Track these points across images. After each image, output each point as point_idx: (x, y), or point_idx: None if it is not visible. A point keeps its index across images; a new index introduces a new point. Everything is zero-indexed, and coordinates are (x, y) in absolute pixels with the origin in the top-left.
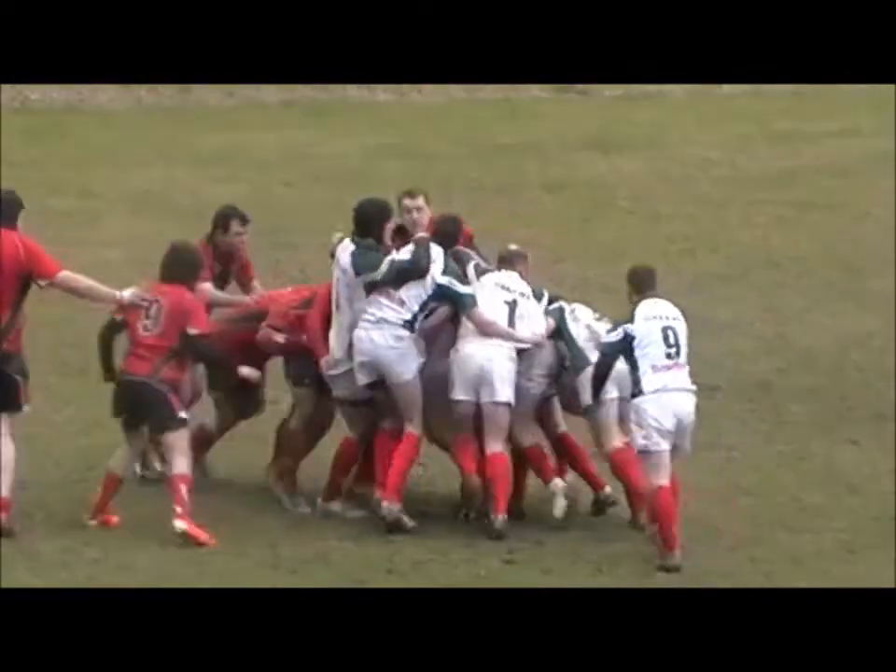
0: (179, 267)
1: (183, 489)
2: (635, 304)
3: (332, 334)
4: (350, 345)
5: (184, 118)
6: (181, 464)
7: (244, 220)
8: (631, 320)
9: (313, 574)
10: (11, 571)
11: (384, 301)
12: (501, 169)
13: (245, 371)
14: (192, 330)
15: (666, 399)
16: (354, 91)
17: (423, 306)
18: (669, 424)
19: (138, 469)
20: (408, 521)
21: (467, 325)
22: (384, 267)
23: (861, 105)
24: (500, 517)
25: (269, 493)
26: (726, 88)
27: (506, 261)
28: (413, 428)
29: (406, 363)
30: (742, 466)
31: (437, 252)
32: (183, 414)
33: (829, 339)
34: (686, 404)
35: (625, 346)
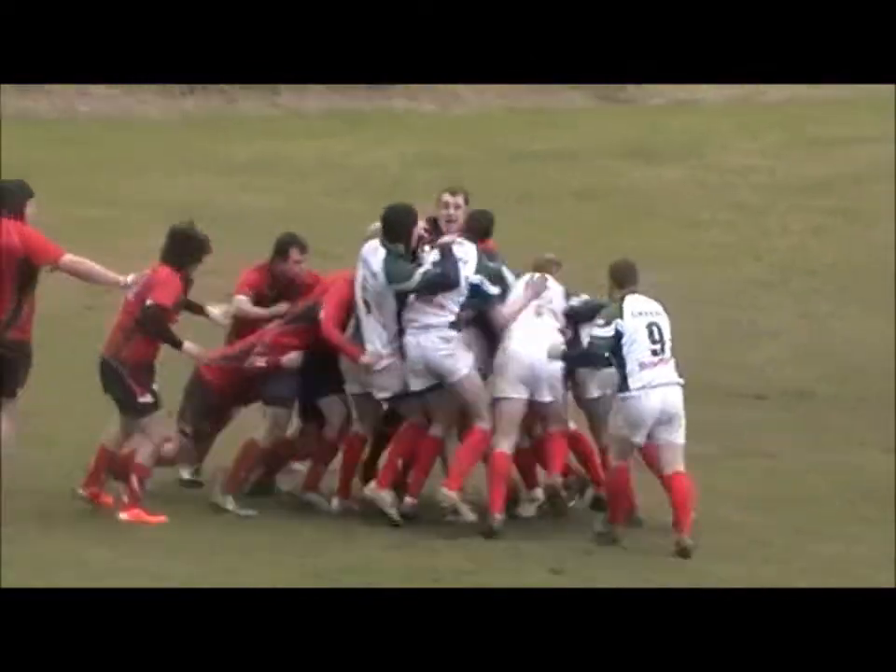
0: (172, 250)
1: (135, 480)
2: (619, 300)
3: (369, 333)
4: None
5: (226, 127)
6: (140, 452)
7: (303, 248)
8: (620, 315)
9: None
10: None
11: (425, 307)
12: (540, 178)
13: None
14: (148, 301)
15: (653, 395)
16: (395, 101)
17: (463, 306)
18: (651, 419)
19: (186, 474)
20: (468, 510)
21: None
22: (416, 277)
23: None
24: (498, 515)
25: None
26: (765, 95)
27: (540, 269)
28: (482, 424)
29: (458, 360)
30: (783, 475)
31: (468, 250)
32: (144, 399)
33: (869, 348)
34: (672, 397)
35: (615, 342)
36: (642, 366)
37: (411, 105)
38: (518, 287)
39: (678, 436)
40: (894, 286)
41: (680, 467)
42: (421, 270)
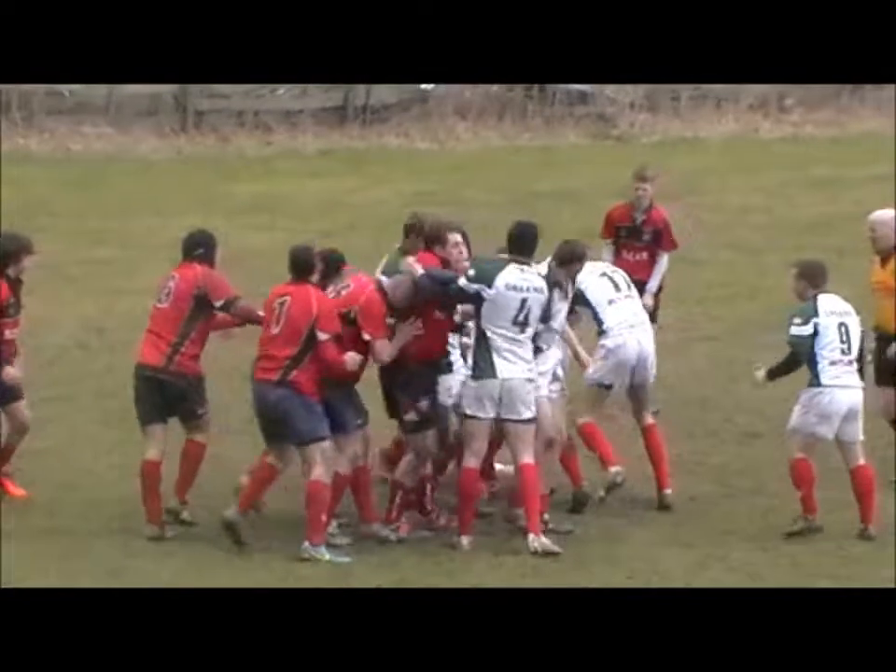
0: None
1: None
2: (813, 298)
3: (524, 352)
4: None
5: (222, 167)
6: None
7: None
8: (816, 314)
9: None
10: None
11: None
12: (538, 216)
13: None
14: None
15: (841, 393)
16: (392, 139)
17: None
18: (838, 417)
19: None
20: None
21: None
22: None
23: None
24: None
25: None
26: (764, 134)
27: None
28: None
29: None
30: (786, 513)
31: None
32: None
33: (869, 387)
34: (858, 397)
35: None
36: (833, 363)
37: (405, 142)
38: None
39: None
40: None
41: (863, 460)
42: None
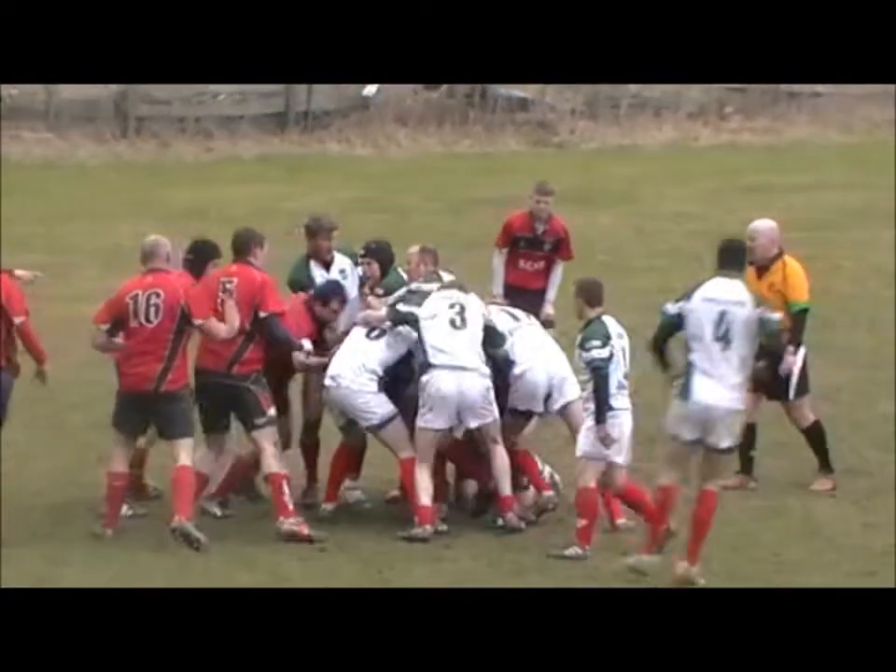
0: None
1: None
2: (598, 319)
3: (725, 368)
4: None
5: (160, 173)
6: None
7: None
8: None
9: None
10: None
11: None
12: (476, 223)
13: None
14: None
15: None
16: (332, 146)
17: None
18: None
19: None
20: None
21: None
22: None
23: (833, 160)
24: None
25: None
26: (701, 142)
27: None
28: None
29: None
30: (719, 521)
31: None
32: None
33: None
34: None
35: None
36: (621, 387)
37: (344, 148)
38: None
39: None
40: (826, 331)
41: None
42: None
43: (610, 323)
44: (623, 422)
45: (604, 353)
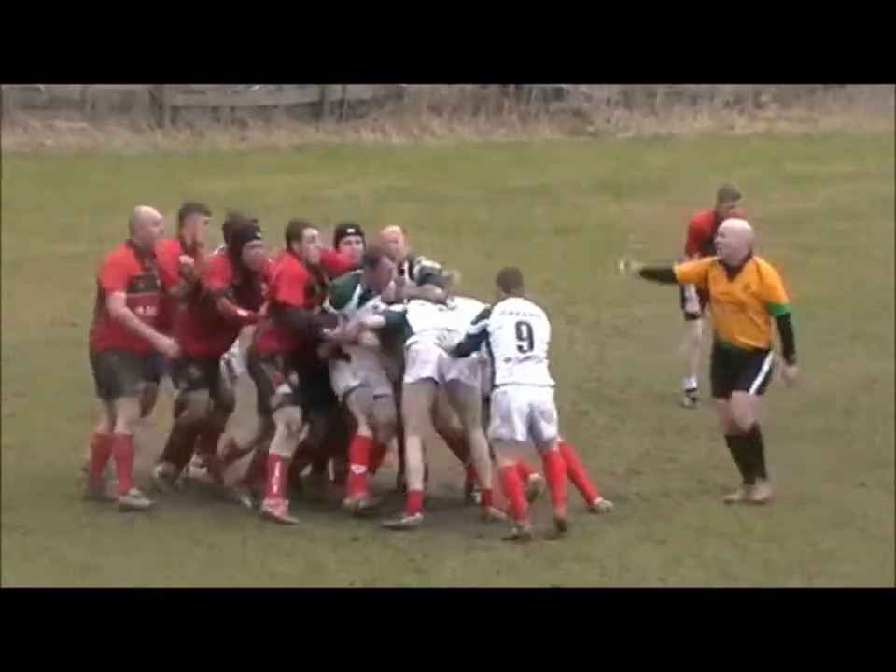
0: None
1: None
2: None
3: None
4: None
5: (197, 162)
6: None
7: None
8: (487, 316)
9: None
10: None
11: None
12: (512, 212)
13: None
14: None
15: (517, 391)
16: (367, 135)
17: None
18: (520, 415)
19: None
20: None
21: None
22: None
23: (870, 149)
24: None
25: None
26: (737, 131)
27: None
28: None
29: None
30: (755, 509)
31: None
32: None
33: (837, 382)
34: (536, 396)
35: (482, 340)
36: (507, 361)
37: (380, 137)
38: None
39: (549, 431)
40: (862, 321)
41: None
42: None
43: (504, 304)
44: (508, 397)
45: (471, 329)
